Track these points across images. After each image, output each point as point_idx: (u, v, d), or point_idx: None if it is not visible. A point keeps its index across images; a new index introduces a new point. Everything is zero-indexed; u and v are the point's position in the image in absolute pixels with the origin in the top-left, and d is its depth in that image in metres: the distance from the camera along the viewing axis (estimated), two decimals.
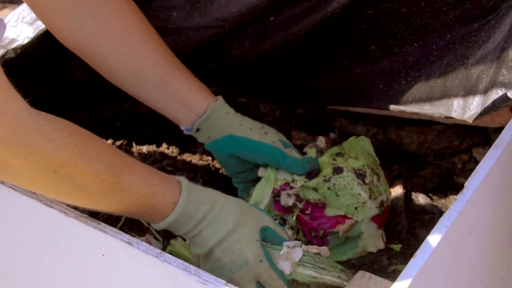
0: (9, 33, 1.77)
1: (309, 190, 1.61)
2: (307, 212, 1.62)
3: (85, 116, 2.07)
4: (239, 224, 1.37)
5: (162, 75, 1.59)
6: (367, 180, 1.62)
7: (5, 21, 1.78)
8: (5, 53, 1.76)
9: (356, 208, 1.59)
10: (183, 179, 1.38)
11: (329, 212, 1.60)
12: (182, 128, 1.66)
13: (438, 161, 1.90)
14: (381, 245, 1.61)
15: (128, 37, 1.57)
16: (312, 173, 1.63)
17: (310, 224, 1.62)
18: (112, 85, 1.86)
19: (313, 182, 1.62)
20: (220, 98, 1.64)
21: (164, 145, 2.01)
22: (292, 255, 1.39)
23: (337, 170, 1.65)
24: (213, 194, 1.40)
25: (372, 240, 1.61)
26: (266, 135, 1.66)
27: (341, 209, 1.60)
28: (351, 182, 1.61)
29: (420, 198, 1.76)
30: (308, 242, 1.62)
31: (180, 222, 1.35)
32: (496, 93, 1.42)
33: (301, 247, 1.41)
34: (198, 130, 1.65)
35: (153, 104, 1.66)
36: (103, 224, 1.29)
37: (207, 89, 1.66)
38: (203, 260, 1.40)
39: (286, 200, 1.61)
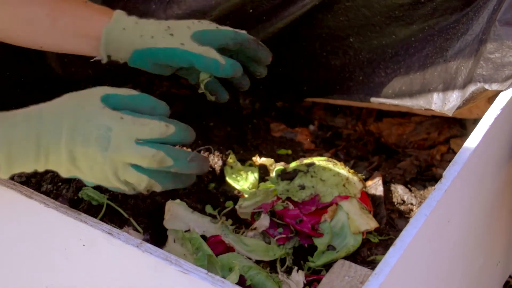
0: None
1: (296, 192, 1.63)
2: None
3: None
4: (76, 110, 1.25)
5: (52, 14, 1.50)
6: (337, 162, 1.69)
7: None
8: None
9: (344, 185, 1.62)
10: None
11: (325, 198, 1.61)
12: (98, 58, 1.55)
13: (416, 153, 1.91)
14: (373, 223, 1.61)
15: None
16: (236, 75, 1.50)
17: (288, 213, 1.62)
18: (90, 77, 1.86)
19: (296, 182, 1.64)
20: (116, 13, 1.51)
21: None
22: None
23: (309, 164, 1.68)
24: (32, 108, 1.27)
25: (362, 218, 1.61)
26: (172, 36, 1.48)
27: (334, 190, 1.61)
28: (326, 165, 1.67)
29: (399, 189, 1.77)
30: (302, 234, 1.63)
31: (16, 156, 1.23)
32: (474, 85, 1.43)
33: None
34: (108, 57, 1.54)
35: (58, 48, 1.58)
36: (83, 215, 1.29)
37: (103, 10, 1.53)
38: (80, 174, 1.29)
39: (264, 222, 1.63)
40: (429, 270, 1.30)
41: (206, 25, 1.52)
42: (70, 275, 1.36)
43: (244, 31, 1.55)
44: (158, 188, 1.32)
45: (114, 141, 1.24)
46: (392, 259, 1.12)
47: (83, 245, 1.30)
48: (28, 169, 1.26)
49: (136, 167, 1.27)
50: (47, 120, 1.23)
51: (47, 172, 1.79)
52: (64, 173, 1.29)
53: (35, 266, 1.41)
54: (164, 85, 2.12)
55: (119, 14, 1.51)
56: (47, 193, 1.72)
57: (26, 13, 1.50)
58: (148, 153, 1.25)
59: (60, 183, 1.76)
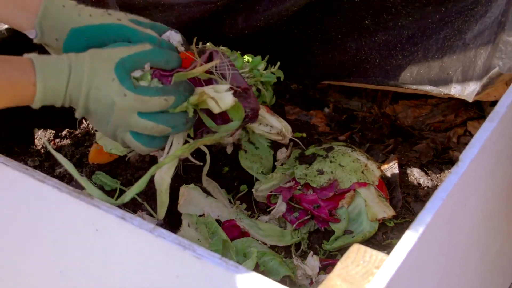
0: None
1: (315, 177, 1.62)
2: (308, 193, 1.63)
3: None
4: (92, 73, 1.35)
5: None
6: (356, 148, 1.69)
7: None
8: None
9: (362, 172, 1.61)
10: (34, 56, 1.33)
11: (344, 184, 1.60)
12: (29, 36, 1.51)
13: (433, 135, 1.90)
14: (390, 211, 1.61)
15: None
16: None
17: (305, 198, 1.62)
18: None
19: (315, 167, 1.63)
20: None
21: None
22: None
23: (328, 149, 1.67)
24: (66, 58, 1.35)
25: (379, 206, 1.60)
26: (110, 15, 1.49)
27: (353, 176, 1.60)
28: (345, 151, 1.67)
29: (415, 172, 1.76)
30: (319, 219, 1.62)
31: (50, 98, 1.34)
32: (493, 68, 1.41)
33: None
34: (42, 34, 1.50)
35: None
36: (96, 199, 1.28)
37: None
38: (90, 121, 1.43)
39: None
40: (445, 255, 1.28)
41: (142, 19, 1.54)
42: (83, 260, 1.36)
43: (176, 31, 1.55)
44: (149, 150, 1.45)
45: (117, 114, 1.36)
46: (407, 243, 1.10)
47: (96, 230, 1.29)
48: (56, 104, 1.37)
49: (134, 133, 1.40)
50: (73, 77, 1.34)
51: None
52: (77, 115, 1.39)
53: (49, 251, 1.40)
54: None
55: None
56: (60, 177, 1.72)
57: None
58: (148, 126, 1.38)
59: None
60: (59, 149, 1.83)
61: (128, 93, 1.35)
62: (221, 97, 1.40)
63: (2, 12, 1.48)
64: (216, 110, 1.40)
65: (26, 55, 1.34)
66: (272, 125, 1.59)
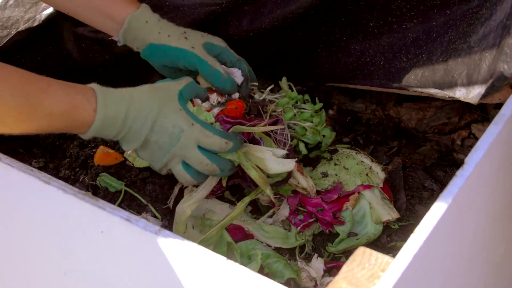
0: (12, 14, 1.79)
1: (319, 180, 1.63)
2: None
3: None
4: (160, 105, 1.44)
5: None
6: (360, 151, 1.69)
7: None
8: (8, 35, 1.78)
9: (367, 174, 1.61)
10: (95, 86, 1.41)
11: (348, 187, 1.60)
12: (115, 39, 1.68)
13: (437, 138, 1.89)
14: (394, 214, 1.61)
15: None
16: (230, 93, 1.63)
17: (309, 201, 1.62)
18: (106, 62, 1.86)
19: (319, 169, 1.63)
20: (143, 6, 1.64)
21: None
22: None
23: (333, 151, 1.68)
24: (125, 90, 1.44)
25: (383, 208, 1.60)
26: (186, 40, 1.63)
27: (357, 178, 1.60)
28: (349, 153, 1.68)
29: (419, 175, 1.75)
30: (323, 222, 1.62)
31: (107, 126, 1.39)
32: (499, 72, 1.41)
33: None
34: (125, 42, 1.67)
35: (86, 21, 1.71)
36: (101, 201, 1.28)
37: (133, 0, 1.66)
38: (141, 152, 1.48)
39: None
40: (450, 257, 1.29)
41: (219, 40, 1.68)
42: (88, 261, 1.36)
43: (244, 62, 1.69)
44: (193, 183, 1.53)
45: (182, 141, 1.44)
46: (413, 246, 1.10)
47: (101, 232, 1.29)
48: (108, 135, 1.42)
49: (185, 164, 1.48)
50: (135, 106, 1.41)
51: (65, 157, 1.80)
52: (128, 148, 1.47)
53: (54, 253, 1.40)
54: None
55: (145, 7, 1.64)
56: (65, 179, 1.72)
57: None
58: (203, 162, 1.47)
59: (77, 169, 1.76)
60: (63, 150, 1.84)
61: (195, 123, 1.46)
62: (283, 162, 1.51)
63: (94, 21, 1.68)
64: (271, 171, 1.50)
65: (88, 85, 1.41)
66: (300, 183, 1.61)
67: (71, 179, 1.73)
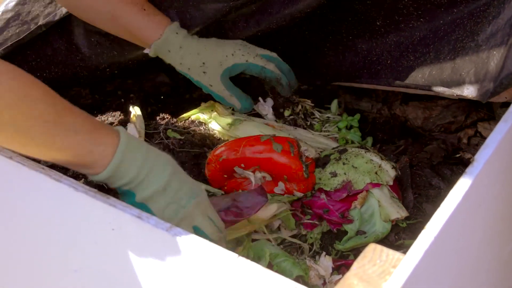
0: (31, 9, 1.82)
1: (328, 180, 1.63)
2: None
3: (88, 92, 2.07)
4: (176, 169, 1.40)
5: (113, 12, 1.72)
6: (370, 149, 1.69)
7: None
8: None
9: (376, 173, 1.61)
10: (120, 128, 1.36)
11: (357, 185, 1.61)
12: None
13: (443, 136, 1.90)
14: (403, 212, 1.61)
15: None
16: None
17: (315, 203, 1.63)
18: (116, 62, 1.87)
19: (328, 169, 1.64)
20: (166, 32, 1.73)
21: (167, 120, 2.00)
22: None
23: (342, 151, 1.68)
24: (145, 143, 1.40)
25: (392, 207, 1.61)
26: (205, 74, 1.76)
27: (366, 177, 1.61)
28: (359, 152, 1.67)
29: (426, 173, 1.76)
30: (331, 222, 1.63)
31: (123, 168, 1.32)
32: (507, 70, 1.41)
33: None
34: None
35: (117, 35, 1.81)
36: (112, 199, 1.28)
37: (156, 21, 1.74)
38: (158, 197, 1.37)
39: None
40: (459, 254, 1.29)
41: (238, 57, 1.75)
42: (99, 259, 1.36)
43: (271, 68, 1.77)
44: None
45: (200, 200, 1.40)
46: (424, 243, 1.11)
47: (112, 229, 1.29)
48: (124, 179, 1.34)
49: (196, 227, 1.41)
50: (154, 151, 1.38)
51: None
52: (144, 198, 1.36)
53: (64, 250, 1.41)
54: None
55: (168, 33, 1.72)
56: (74, 177, 1.72)
57: (91, 3, 1.74)
58: (214, 228, 1.42)
59: None
60: None
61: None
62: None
63: (126, 38, 1.78)
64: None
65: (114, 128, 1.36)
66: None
67: (79, 178, 1.74)
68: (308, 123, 1.89)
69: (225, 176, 1.70)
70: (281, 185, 1.66)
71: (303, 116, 1.89)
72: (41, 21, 1.81)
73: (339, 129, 1.89)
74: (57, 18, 1.80)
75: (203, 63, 1.74)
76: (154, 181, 1.35)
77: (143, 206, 1.34)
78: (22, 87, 1.22)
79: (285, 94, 1.81)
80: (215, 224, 1.42)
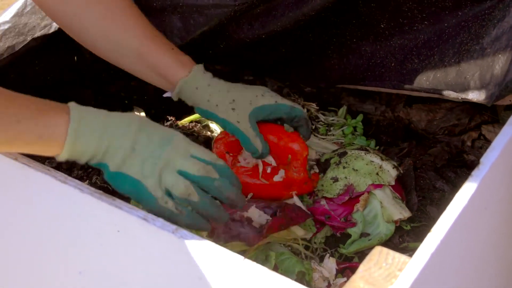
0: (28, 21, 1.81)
1: (330, 186, 1.63)
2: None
3: (91, 94, 2.07)
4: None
5: (140, 48, 1.64)
6: (370, 150, 1.69)
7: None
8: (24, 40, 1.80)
9: (377, 174, 1.62)
10: (72, 104, 1.33)
11: (359, 188, 1.61)
12: (169, 96, 1.70)
13: (447, 139, 1.90)
14: (406, 212, 1.61)
15: (109, 11, 1.64)
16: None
17: (317, 210, 1.63)
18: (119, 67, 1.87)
19: (328, 175, 1.64)
20: (194, 70, 1.65)
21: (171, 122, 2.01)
22: None
23: (341, 154, 1.68)
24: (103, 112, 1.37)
25: (395, 207, 1.61)
26: (233, 111, 1.66)
27: (367, 178, 1.61)
28: (358, 154, 1.68)
29: (430, 176, 1.76)
30: (334, 227, 1.63)
31: (80, 143, 1.30)
32: (511, 74, 1.42)
33: None
34: (179, 100, 1.69)
35: (136, 74, 1.72)
36: (118, 201, 1.29)
37: (184, 60, 1.67)
38: (130, 162, 1.34)
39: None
40: (465, 257, 1.29)
41: (267, 98, 1.69)
42: (104, 261, 1.36)
43: (300, 107, 1.70)
44: (195, 197, 1.35)
45: (175, 143, 1.36)
46: (430, 246, 1.11)
47: (118, 231, 1.30)
48: (85, 155, 1.32)
49: (181, 173, 1.35)
50: (115, 117, 1.35)
51: None
52: (116, 164, 1.33)
53: (69, 252, 1.41)
54: None
55: (196, 71, 1.65)
56: (78, 179, 1.72)
57: (118, 39, 1.65)
58: (198, 162, 1.36)
59: (90, 169, 1.77)
60: None
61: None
62: None
63: (146, 77, 1.70)
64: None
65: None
66: None
67: (83, 180, 1.74)
68: (313, 127, 1.89)
69: (230, 154, 1.72)
70: (281, 172, 1.66)
71: None
72: (37, 33, 1.80)
73: (344, 134, 1.89)
74: (52, 30, 1.80)
75: (233, 100, 1.67)
76: (119, 145, 1.32)
77: (120, 176, 1.32)
78: None
79: (307, 136, 1.72)
80: (200, 159, 1.38)
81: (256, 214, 1.52)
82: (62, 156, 1.30)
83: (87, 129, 1.30)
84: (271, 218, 1.51)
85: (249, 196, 1.64)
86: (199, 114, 1.69)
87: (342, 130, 1.89)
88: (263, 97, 1.68)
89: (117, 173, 1.32)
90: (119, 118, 1.35)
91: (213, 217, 1.36)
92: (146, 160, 1.33)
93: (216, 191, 1.37)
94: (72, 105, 1.32)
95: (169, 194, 1.33)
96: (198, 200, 1.34)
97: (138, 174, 1.32)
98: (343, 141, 1.86)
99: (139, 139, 1.33)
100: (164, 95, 1.71)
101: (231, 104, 1.66)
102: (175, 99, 1.67)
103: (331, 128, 1.89)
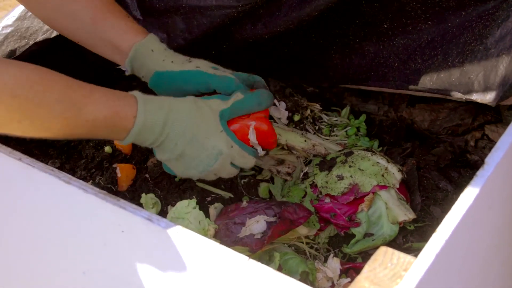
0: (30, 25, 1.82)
1: (335, 183, 1.63)
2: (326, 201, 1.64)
3: None
4: (201, 121, 1.49)
5: (93, 18, 1.64)
6: (376, 152, 1.70)
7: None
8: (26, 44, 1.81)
9: (383, 175, 1.62)
10: (137, 93, 1.45)
11: (364, 188, 1.61)
12: (123, 69, 1.69)
13: (450, 139, 1.90)
14: (411, 214, 1.61)
15: None
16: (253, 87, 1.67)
17: (322, 208, 1.63)
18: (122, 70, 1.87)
19: (334, 173, 1.64)
20: (150, 35, 1.65)
21: None
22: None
23: (348, 154, 1.68)
24: (167, 99, 1.49)
25: (400, 209, 1.61)
26: (190, 63, 1.64)
27: (373, 179, 1.61)
28: (365, 155, 1.68)
29: (433, 176, 1.76)
30: (338, 225, 1.63)
31: (144, 132, 1.44)
32: None
33: None
34: (132, 70, 1.67)
35: (90, 47, 1.71)
36: (122, 201, 1.29)
37: (139, 28, 1.66)
38: (174, 163, 1.52)
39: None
40: (470, 258, 1.29)
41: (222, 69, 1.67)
42: (108, 261, 1.36)
43: (258, 77, 1.70)
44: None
45: (220, 162, 1.51)
46: (435, 246, 1.11)
47: (122, 231, 1.30)
48: (145, 141, 1.47)
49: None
50: (174, 116, 1.46)
51: (81, 158, 1.80)
52: (162, 157, 1.52)
53: (73, 252, 1.41)
54: None
55: (152, 37, 1.64)
56: (82, 179, 1.72)
57: (70, 10, 1.64)
58: (233, 172, 1.58)
59: (93, 170, 1.77)
60: (79, 151, 1.84)
61: (234, 145, 1.53)
62: None
63: (100, 49, 1.69)
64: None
65: (130, 92, 1.46)
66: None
67: (87, 180, 1.74)
68: (317, 127, 1.88)
69: None
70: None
71: (311, 120, 1.89)
72: (39, 37, 1.81)
73: (347, 135, 1.88)
74: (54, 34, 1.81)
75: (189, 58, 1.65)
76: (169, 150, 1.48)
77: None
78: (37, 94, 1.29)
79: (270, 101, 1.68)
80: (246, 150, 1.55)
81: (255, 228, 1.51)
82: (133, 132, 1.42)
83: (153, 107, 1.44)
84: (273, 220, 1.51)
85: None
86: (152, 86, 1.65)
87: (346, 131, 1.88)
88: (216, 65, 1.67)
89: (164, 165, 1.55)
90: (177, 114, 1.47)
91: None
92: (188, 171, 1.54)
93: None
94: (137, 94, 1.46)
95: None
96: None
97: (179, 174, 1.56)
98: (346, 142, 1.85)
99: (186, 151, 1.49)
100: (116, 67, 1.70)
101: (187, 60, 1.65)
102: (127, 68, 1.65)
103: (335, 129, 1.89)
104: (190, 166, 1.51)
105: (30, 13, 1.83)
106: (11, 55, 1.81)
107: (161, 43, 1.66)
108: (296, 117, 1.87)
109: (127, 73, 1.67)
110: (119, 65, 1.69)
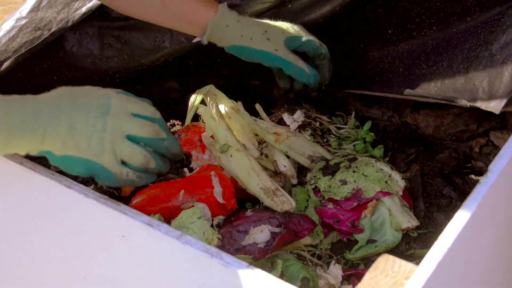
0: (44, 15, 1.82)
1: (338, 188, 1.62)
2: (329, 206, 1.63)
3: None
4: None
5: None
6: (380, 159, 1.69)
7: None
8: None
9: (386, 182, 1.61)
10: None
11: (367, 194, 1.60)
12: (199, 40, 1.75)
13: (455, 145, 1.89)
14: (414, 221, 1.60)
15: None
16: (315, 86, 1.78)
17: (326, 213, 1.62)
18: (125, 67, 1.86)
19: (337, 177, 1.63)
20: (221, 8, 1.70)
21: (178, 127, 2.00)
22: None
23: (352, 160, 1.67)
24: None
25: (403, 216, 1.60)
26: (269, 41, 1.70)
27: (376, 185, 1.61)
28: (369, 161, 1.67)
29: (437, 182, 1.75)
30: (341, 231, 1.62)
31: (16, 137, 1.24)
32: None
33: None
34: (209, 43, 1.73)
35: (163, 25, 1.78)
36: (123, 206, 1.28)
37: (206, 2, 1.71)
38: (66, 142, 1.29)
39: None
40: (472, 265, 1.28)
41: (297, 31, 1.73)
42: (108, 265, 1.36)
43: (325, 47, 1.74)
44: (152, 164, 1.36)
45: (114, 108, 1.32)
46: (437, 254, 1.10)
47: (122, 236, 1.29)
48: (23, 148, 1.27)
49: (132, 140, 1.33)
50: (43, 99, 1.28)
51: None
52: (59, 149, 1.29)
53: (74, 256, 1.40)
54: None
55: (223, 9, 1.70)
56: (84, 183, 1.72)
57: None
58: (145, 123, 1.35)
59: None
60: None
61: (120, 93, 1.38)
62: None
63: (174, 26, 1.77)
64: None
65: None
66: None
67: (88, 185, 1.73)
68: (325, 140, 1.88)
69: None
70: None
71: (320, 133, 1.88)
72: (54, 28, 1.80)
73: (355, 150, 1.87)
74: (69, 24, 1.80)
75: (265, 31, 1.70)
76: (55, 130, 1.28)
77: (68, 159, 1.30)
78: None
79: (327, 77, 1.78)
80: (142, 116, 1.35)
81: (259, 238, 1.51)
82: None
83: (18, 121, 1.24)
84: (277, 230, 1.50)
85: None
86: (232, 53, 1.73)
87: (354, 145, 1.87)
88: (293, 29, 1.73)
89: (64, 157, 1.30)
90: (47, 100, 1.29)
91: (162, 172, 1.41)
92: (91, 137, 1.30)
93: (165, 150, 1.38)
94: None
95: (124, 163, 1.34)
96: (155, 166, 1.37)
97: (88, 154, 1.30)
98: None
99: (75, 116, 1.28)
100: (194, 41, 1.78)
101: (265, 35, 1.70)
102: (205, 42, 1.72)
103: (343, 143, 1.88)
104: (86, 137, 1.29)
105: (44, 4, 1.83)
106: (27, 46, 1.81)
107: (232, 12, 1.70)
108: (307, 133, 1.86)
109: (203, 43, 1.73)
110: (195, 37, 1.77)
